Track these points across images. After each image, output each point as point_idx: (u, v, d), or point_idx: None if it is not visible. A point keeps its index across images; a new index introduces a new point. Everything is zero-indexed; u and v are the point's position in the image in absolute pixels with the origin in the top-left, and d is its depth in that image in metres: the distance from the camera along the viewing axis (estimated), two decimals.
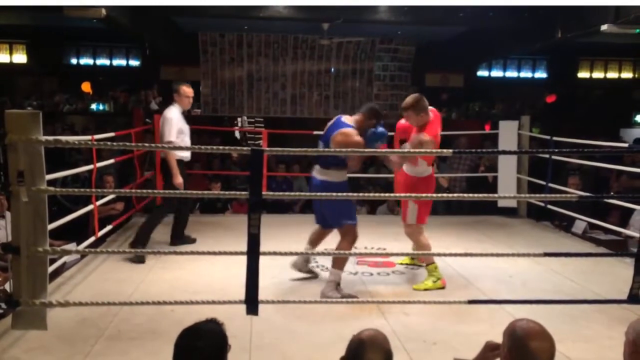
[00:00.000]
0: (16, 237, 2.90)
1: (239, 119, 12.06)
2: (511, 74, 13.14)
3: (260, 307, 3.09)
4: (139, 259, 4.93)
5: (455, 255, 4.76)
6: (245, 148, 3.73)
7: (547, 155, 6.39)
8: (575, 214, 6.15)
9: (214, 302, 3.12)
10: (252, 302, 3.06)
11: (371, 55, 10.02)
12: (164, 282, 4.48)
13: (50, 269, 3.63)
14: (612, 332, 3.45)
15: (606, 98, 12.98)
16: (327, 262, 4.94)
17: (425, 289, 4.39)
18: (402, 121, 4.59)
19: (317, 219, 4.50)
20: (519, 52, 11.93)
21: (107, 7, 6.56)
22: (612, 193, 6.81)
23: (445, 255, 4.90)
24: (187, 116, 5.57)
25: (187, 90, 5.35)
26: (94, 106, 11.78)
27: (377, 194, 6.82)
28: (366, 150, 4.01)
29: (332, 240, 4.52)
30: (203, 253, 3.44)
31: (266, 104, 10.12)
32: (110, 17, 6.77)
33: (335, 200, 4.16)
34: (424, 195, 4.28)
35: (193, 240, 5.57)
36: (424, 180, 4.47)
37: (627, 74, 13.30)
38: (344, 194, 4.07)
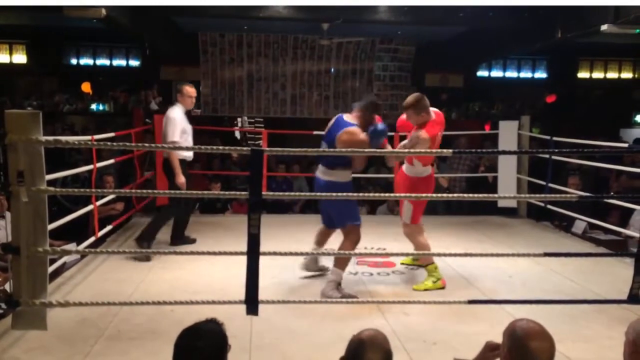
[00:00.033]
0: (16, 237, 2.90)
1: (239, 119, 12.07)
2: (511, 74, 13.15)
3: (260, 307, 3.09)
4: (146, 258, 4.95)
5: (455, 255, 4.75)
6: (245, 148, 3.73)
7: (547, 155, 6.39)
8: (575, 214, 6.15)
9: (214, 302, 3.12)
10: (252, 302, 3.06)
11: (371, 55, 10.03)
12: (164, 282, 4.48)
13: (50, 269, 3.63)
14: (612, 332, 3.44)
15: (606, 98, 12.98)
16: (327, 261, 4.95)
17: (425, 289, 4.39)
18: (403, 117, 4.58)
19: (324, 219, 4.50)
20: (518, 52, 11.93)
21: (107, 7, 6.56)
22: (612, 193, 6.81)
23: (445, 255, 4.90)
24: (187, 116, 5.58)
25: (190, 90, 5.38)
26: (94, 106, 11.78)
27: (377, 194, 6.82)
28: (366, 150, 4.01)
29: (334, 240, 4.53)
30: (203, 253, 3.44)
31: (266, 104, 10.12)
32: (110, 17, 6.77)
33: (340, 201, 4.17)
34: (423, 195, 4.28)
35: (193, 241, 5.57)
36: (423, 181, 4.47)
37: (627, 74, 13.31)
38: (344, 194, 4.06)
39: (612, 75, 13.30)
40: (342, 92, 10.09)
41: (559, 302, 3.90)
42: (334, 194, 4.01)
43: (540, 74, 13.23)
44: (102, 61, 12.54)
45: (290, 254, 3.56)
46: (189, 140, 5.33)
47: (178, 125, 5.19)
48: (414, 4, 7.63)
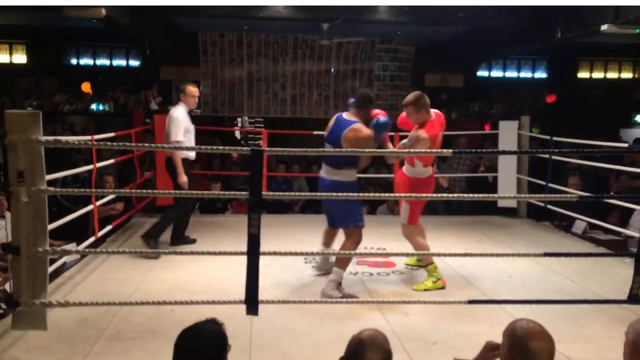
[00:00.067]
0: (16, 237, 2.90)
1: (239, 119, 12.07)
2: (511, 74, 13.14)
3: (260, 307, 3.09)
4: (155, 255, 4.94)
5: (455, 255, 4.75)
6: (245, 148, 3.73)
7: (547, 155, 6.39)
8: (575, 214, 6.15)
9: (214, 302, 3.12)
10: (252, 302, 3.06)
11: (371, 55, 10.03)
12: (164, 282, 4.48)
13: (50, 269, 3.63)
14: (612, 332, 3.45)
15: (606, 98, 12.97)
16: None
17: (425, 289, 4.39)
18: (404, 114, 4.56)
19: (329, 220, 4.50)
20: (518, 52, 11.92)
21: (107, 7, 6.56)
22: (612, 193, 6.81)
23: (445, 255, 4.90)
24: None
25: (193, 90, 5.40)
26: (94, 106, 11.77)
27: (377, 194, 6.82)
28: (366, 150, 4.01)
29: (337, 240, 4.54)
30: (203, 253, 3.44)
31: (266, 104, 10.12)
32: (110, 17, 6.77)
33: (345, 201, 4.17)
34: (423, 195, 4.28)
35: (193, 241, 5.57)
36: (423, 182, 4.46)
37: (627, 74, 13.30)
38: (344, 194, 4.06)
39: (612, 75, 13.29)
40: (342, 92, 10.09)
41: (559, 302, 3.90)
42: (334, 194, 4.02)
43: (540, 74, 13.23)
44: (102, 61, 12.53)
45: (290, 254, 3.56)
46: (191, 140, 5.34)
47: (181, 124, 5.21)
48: (414, 4, 7.63)
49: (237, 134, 12.95)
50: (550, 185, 6.35)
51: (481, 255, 4.69)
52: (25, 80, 12.40)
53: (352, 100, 4.33)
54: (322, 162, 4.35)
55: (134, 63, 12.55)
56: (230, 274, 4.24)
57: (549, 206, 6.53)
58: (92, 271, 4.71)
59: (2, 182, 2.92)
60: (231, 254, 3.24)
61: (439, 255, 4.77)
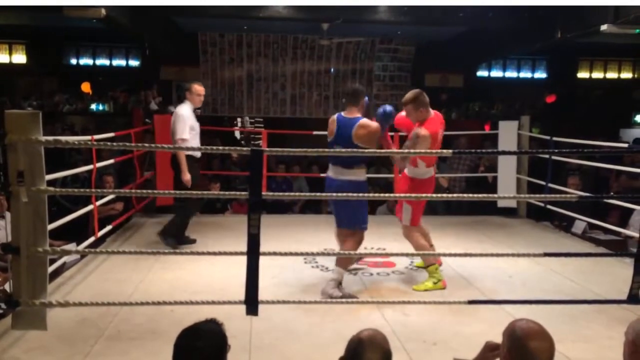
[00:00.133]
0: (16, 237, 2.90)
1: (240, 119, 12.07)
2: (511, 74, 13.15)
3: (260, 307, 3.09)
4: (173, 246, 5.19)
5: (455, 255, 4.76)
6: (245, 148, 3.73)
7: (547, 155, 6.39)
8: (575, 214, 6.15)
9: (213, 303, 3.12)
10: (252, 302, 3.06)
11: (371, 55, 10.03)
12: (164, 282, 4.48)
13: (50, 269, 3.64)
14: (611, 332, 3.44)
15: (606, 98, 12.98)
16: (326, 262, 4.95)
17: (426, 290, 4.38)
18: (402, 114, 4.57)
19: (337, 222, 4.50)
20: (518, 52, 11.93)
21: (106, 7, 6.57)
22: (611, 193, 6.81)
23: (445, 255, 4.90)
24: None
25: (199, 89, 5.44)
26: (93, 106, 11.78)
27: (377, 194, 6.81)
28: (366, 150, 4.02)
29: (335, 240, 4.53)
30: (203, 253, 3.44)
31: (266, 104, 10.12)
32: (110, 17, 6.77)
33: (353, 203, 4.18)
34: (423, 195, 4.28)
35: (193, 241, 5.57)
36: (424, 182, 4.46)
37: (626, 74, 13.31)
38: (344, 194, 4.06)
39: (611, 75, 13.29)
40: (342, 92, 10.07)
41: (559, 302, 3.90)
42: (334, 194, 4.02)
43: (540, 74, 13.23)
44: (102, 61, 12.53)
45: (291, 254, 3.56)
46: (197, 137, 5.38)
47: (187, 122, 5.24)
48: (413, 4, 7.63)
49: (237, 134, 12.95)
50: (550, 185, 6.35)
51: (481, 255, 4.70)
52: (25, 80, 12.40)
53: (367, 99, 4.36)
54: (330, 163, 4.34)
55: (134, 63, 12.55)
56: (230, 274, 4.24)
57: (549, 206, 6.53)
58: (92, 271, 4.71)
59: (2, 182, 2.92)
60: (231, 254, 3.24)
61: (439, 255, 4.76)
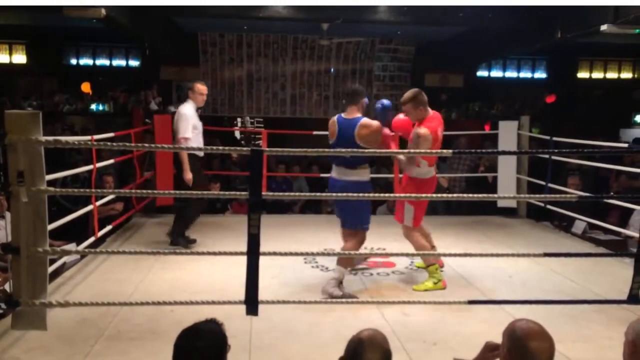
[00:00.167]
0: (16, 237, 2.90)
1: (240, 119, 12.06)
2: (511, 74, 13.14)
3: (260, 307, 3.09)
4: (184, 245, 5.31)
5: (455, 255, 4.76)
6: (245, 148, 3.73)
7: (546, 155, 6.39)
8: (575, 214, 6.15)
9: (213, 303, 3.12)
10: (252, 302, 3.06)
11: (371, 55, 10.03)
12: (164, 282, 4.48)
13: (50, 269, 3.63)
14: (611, 332, 3.44)
15: (606, 98, 12.98)
16: (326, 262, 4.95)
17: (426, 290, 4.38)
18: (401, 116, 4.57)
19: (342, 221, 4.50)
20: (518, 52, 11.93)
21: (106, 7, 6.57)
22: (611, 193, 6.81)
23: (445, 255, 4.90)
24: None
25: (202, 88, 5.44)
26: (93, 106, 11.78)
27: (377, 194, 6.80)
28: (366, 150, 4.02)
29: (335, 240, 4.53)
30: (203, 253, 3.45)
31: (266, 104, 10.13)
32: (110, 17, 6.77)
33: (357, 204, 4.18)
34: (423, 195, 4.27)
35: (193, 241, 5.57)
36: (426, 182, 4.45)
37: (626, 74, 13.30)
38: (343, 194, 4.06)
39: (611, 75, 13.29)
40: (342, 92, 10.09)
41: (559, 302, 3.90)
42: (334, 194, 4.02)
43: (540, 74, 13.23)
44: (102, 61, 12.53)
45: (291, 254, 3.56)
46: (199, 137, 5.39)
47: (189, 121, 5.25)
48: (413, 4, 7.63)
49: (237, 134, 12.95)
50: (550, 185, 6.35)
51: (481, 255, 4.70)
52: (25, 80, 12.40)
53: (366, 100, 4.37)
54: (333, 164, 4.34)
55: (134, 63, 12.55)
56: (230, 274, 4.24)
57: (549, 206, 6.53)
58: (92, 271, 4.71)
59: (2, 182, 2.92)
60: (231, 254, 3.25)
61: (438, 255, 4.77)
